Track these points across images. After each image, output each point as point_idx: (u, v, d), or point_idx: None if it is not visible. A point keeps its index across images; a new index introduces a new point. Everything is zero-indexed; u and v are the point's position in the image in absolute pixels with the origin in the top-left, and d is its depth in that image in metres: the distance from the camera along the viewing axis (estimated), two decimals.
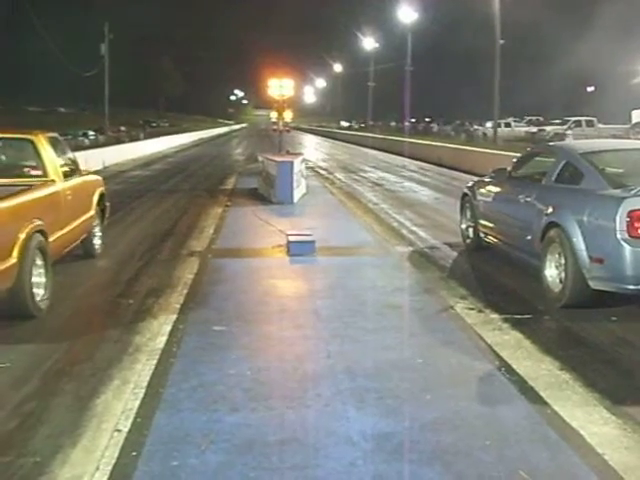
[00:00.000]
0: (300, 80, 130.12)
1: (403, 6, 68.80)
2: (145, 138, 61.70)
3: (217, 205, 19.13)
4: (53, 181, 10.01)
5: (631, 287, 7.99)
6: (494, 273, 11.10)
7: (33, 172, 10.21)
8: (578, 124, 51.94)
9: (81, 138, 61.93)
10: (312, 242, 12.27)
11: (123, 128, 75.77)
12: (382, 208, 18.82)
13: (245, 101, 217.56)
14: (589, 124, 53.11)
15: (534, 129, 56.79)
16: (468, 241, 12.70)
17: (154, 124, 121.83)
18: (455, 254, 12.59)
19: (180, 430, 5.43)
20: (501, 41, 43.84)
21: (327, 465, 4.94)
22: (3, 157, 11.04)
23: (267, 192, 19.84)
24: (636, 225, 7.80)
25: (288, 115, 27.76)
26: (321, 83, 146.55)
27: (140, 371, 6.77)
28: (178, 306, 8.96)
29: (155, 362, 6.98)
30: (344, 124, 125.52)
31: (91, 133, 66.56)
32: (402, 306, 8.91)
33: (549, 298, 9.17)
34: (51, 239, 9.04)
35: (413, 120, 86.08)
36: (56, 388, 6.42)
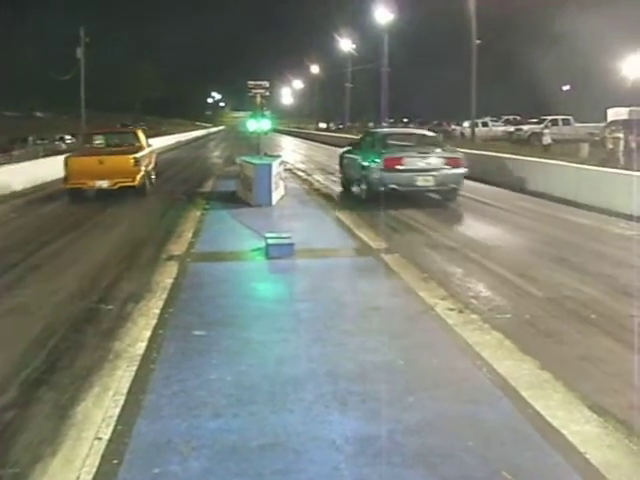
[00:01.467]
0: (277, 82, 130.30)
1: (379, 7, 68.91)
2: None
3: (195, 208, 19.04)
4: (144, 148, 23.80)
5: (389, 186, 18.42)
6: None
7: (136, 144, 24.05)
8: (555, 123, 52.14)
9: (58, 142, 61.53)
10: (291, 244, 12.23)
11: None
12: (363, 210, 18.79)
13: (222, 104, 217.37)
14: (565, 123, 53.39)
15: (511, 128, 56.96)
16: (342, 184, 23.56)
17: (131, 127, 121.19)
18: (435, 255, 12.62)
19: (161, 437, 5.40)
20: (477, 41, 44.07)
21: (310, 469, 4.93)
22: (118, 140, 25.51)
23: (245, 195, 19.76)
24: (386, 164, 18.47)
25: (267, 116, 27.60)
26: (298, 85, 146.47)
27: (120, 378, 6.74)
28: (158, 311, 8.93)
29: (135, 368, 6.95)
30: (322, 125, 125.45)
31: (68, 137, 66.09)
32: (383, 308, 8.90)
33: (357, 199, 19.97)
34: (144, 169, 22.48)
35: (391, 121, 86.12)
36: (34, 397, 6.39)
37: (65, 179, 21.70)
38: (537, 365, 6.94)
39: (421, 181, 18.33)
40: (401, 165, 18.38)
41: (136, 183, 21.52)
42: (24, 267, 12.30)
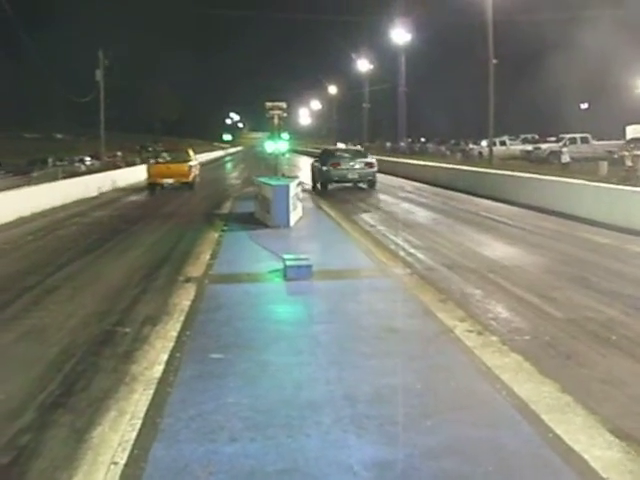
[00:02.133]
0: (295, 102, 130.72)
1: (396, 28, 69.11)
2: (141, 163, 61.68)
3: (213, 230, 19.08)
4: (193, 159, 36.72)
5: (334, 179, 31.26)
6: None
7: (188, 157, 36.70)
8: (573, 141, 51.78)
9: (77, 164, 61.77)
10: (309, 266, 12.19)
11: (119, 153, 75.49)
12: (379, 230, 18.78)
13: (241, 124, 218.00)
14: (584, 141, 53.01)
15: (529, 147, 56.63)
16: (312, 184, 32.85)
17: (150, 149, 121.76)
18: (454, 275, 12.54)
19: (178, 462, 5.36)
20: (494, 61, 43.97)
21: None
22: (177, 154, 37.70)
23: (263, 216, 19.78)
24: (332, 165, 31.34)
25: (285, 135, 27.74)
26: (316, 105, 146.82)
27: (137, 401, 6.72)
28: (175, 334, 8.91)
29: (152, 392, 6.93)
30: (341, 146, 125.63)
31: (87, 159, 66.33)
32: (401, 330, 8.83)
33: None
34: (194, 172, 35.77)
35: (409, 140, 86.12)
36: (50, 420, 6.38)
37: (147, 177, 34.79)
38: (557, 388, 6.86)
39: (350, 175, 30.00)
40: (339, 166, 30.31)
41: (189, 180, 34.59)
42: (41, 289, 12.35)
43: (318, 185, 32.21)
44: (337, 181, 30.33)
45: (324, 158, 32.62)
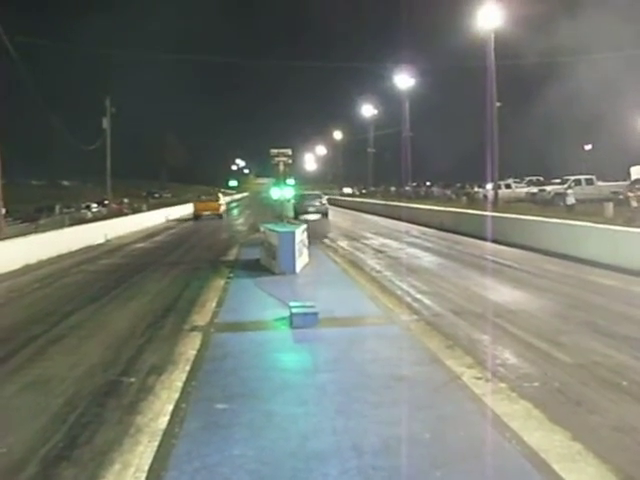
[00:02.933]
0: (300, 148, 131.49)
1: (400, 73, 69.76)
2: (148, 210, 61.99)
3: (219, 277, 19.05)
4: (220, 199, 58.11)
5: (301, 211, 44.45)
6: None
7: (219, 198, 58.86)
8: (578, 183, 51.95)
9: (84, 211, 62.17)
10: (315, 314, 12.14)
11: (126, 200, 76.04)
12: (385, 276, 18.73)
13: (246, 170, 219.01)
14: (589, 182, 53.13)
15: (535, 189, 56.77)
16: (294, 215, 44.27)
17: (156, 195, 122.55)
18: (460, 321, 12.46)
19: None
20: (498, 103, 44.19)
21: None
22: (211, 197, 60.49)
23: (269, 263, 19.75)
24: (300, 202, 45.25)
25: (291, 181, 27.97)
26: (321, 150, 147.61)
27: (141, 453, 6.65)
28: (180, 384, 8.85)
29: (157, 443, 6.85)
30: (347, 190, 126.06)
31: (94, 205, 66.77)
32: (408, 378, 8.75)
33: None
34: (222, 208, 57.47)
35: (414, 184, 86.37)
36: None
37: (194, 211, 54.34)
38: (568, 436, 6.77)
39: (310, 209, 35.64)
40: (304, 204, 36.22)
41: (219, 212, 53.48)
42: (46, 339, 12.29)
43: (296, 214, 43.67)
44: (304, 212, 40.52)
45: (297, 199, 46.80)
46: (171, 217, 58.22)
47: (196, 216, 52.79)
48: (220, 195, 60.56)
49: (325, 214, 45.37)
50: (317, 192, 54.79)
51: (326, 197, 49.01)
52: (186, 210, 69.57)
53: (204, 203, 54.60)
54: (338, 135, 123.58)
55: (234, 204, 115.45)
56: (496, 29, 42.80)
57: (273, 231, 19.98)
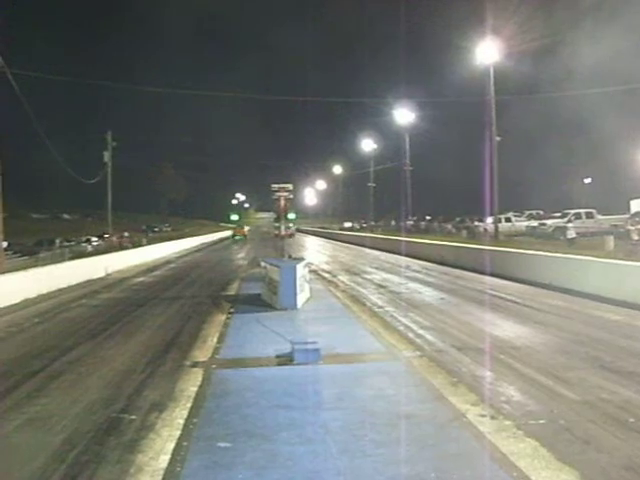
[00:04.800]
0: (300, 182, 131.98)
1: (400, 108, 70.13)
2: (148, 244, 61.95)
3: (220, 312, 18.96)
4: (245, 228, 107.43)
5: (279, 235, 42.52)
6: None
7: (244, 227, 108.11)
8: (578, 216, 51.98)
9: (84, 244, 62.08)
10: (317, 350, 12.05)
11: (126, 234, 75.93)
12: (387, 311, 18.62)
13: (247, 205, 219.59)
14: (589, 216, 53.17)
15: (535, 223, 56.75)
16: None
17: (156, 229, 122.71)
18: (464, 357, 12.36)
19: None
20: (498, 138, 44.33)
21: None
22: (238, 226, 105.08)
23: (270, 298, 19.66)
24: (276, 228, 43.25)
25: (292, 216, 27.98)
26: (322, 185, 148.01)
27: None
28: (182, 421, 8.75)
29: None
30: (347, 225, 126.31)
31: (94, 239, 66.73)
32: (413, 415, 8.64)
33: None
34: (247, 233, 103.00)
35: (414, 218, 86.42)
36: None
37: (232, 233, 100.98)
38: (577, 476, 6.67)
39: (282, 232, 32.00)
40: (280, 228, 31.77)
41: (246, 235, 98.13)
42: (45, 374, 12.16)
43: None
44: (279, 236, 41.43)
45: (275, 225, 48.27)
46: (171, 251, 58.14)
47: (233, 235, 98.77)
48: (245, 225, 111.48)
49: (293, 236, 59.91)
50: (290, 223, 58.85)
51: (295, 227, 62.72)
52: (187, 244, 69.67)
53: (238, 229, 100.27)
54: (338, 169, 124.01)
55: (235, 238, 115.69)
56: (495, 64, 43.09)
57: (275, 266, 19.90)
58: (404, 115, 70.17)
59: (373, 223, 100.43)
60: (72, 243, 61.03)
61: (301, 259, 24.07)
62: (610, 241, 34.20)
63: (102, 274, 33.47)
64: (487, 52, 42.97)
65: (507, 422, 8.38)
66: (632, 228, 31.73)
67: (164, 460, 7.36)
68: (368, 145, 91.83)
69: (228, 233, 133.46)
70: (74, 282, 28.65)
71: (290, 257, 25.75)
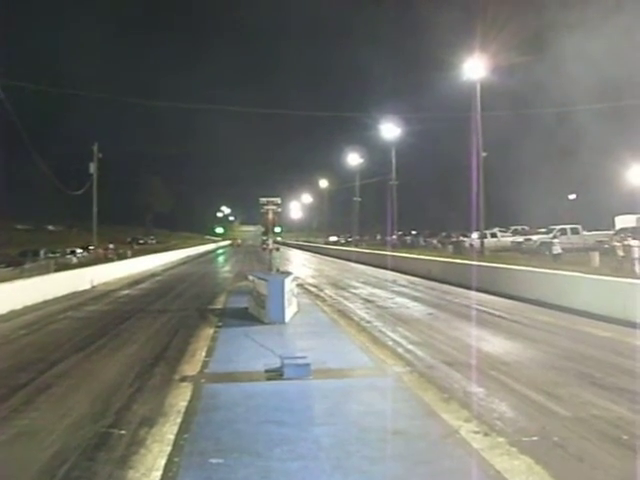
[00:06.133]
0: (286, 196, 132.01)
1: (386, 122, 70.28)
2: (133, 256, 61.74)
3: (208, 326, 18.86)
4: (239, 239, 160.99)
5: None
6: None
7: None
8: (563, 232, 52.27)
9: (69, 256, 61.72)
10: (308, 365, 11.98)
11: (111, 246, 75.42)
12: (375, 326, 18.58)
13: (232, 218, 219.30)
14: (574, 232, 53.48)
15: (520, 239, 56.98)
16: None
17: (142, 241, 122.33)
18: (454, 373, 12.32)
19: None
20: (484, 154, 44.48)
21: None
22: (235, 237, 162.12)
23: (258, 312, 19.59)
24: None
25: (278, 230, 27.89)
26: (307, 199, 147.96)
27: None
28: (172, 437, 8.65)
29: None
30: (332, 239, 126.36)
31: (79, 251, 66.33)
32: (405, 432, 8.59)
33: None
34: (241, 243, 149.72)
35: (400, 233, 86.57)
36: None
37: (231, 242, 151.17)
38: None
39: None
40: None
41: (240, 244, 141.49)
42: (33, 387, 12.03)
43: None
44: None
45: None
46: (156, 264, 57.90)
47: (232, 244, 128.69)
48: (239, 239, 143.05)
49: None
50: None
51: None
52: (172, 257, 69.45)
53: (234, 240, 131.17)
54: (324, 183, 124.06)
55: (220, 251, 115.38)
56: (482, 79, 43.32)
57: (262, 279, 19.85)
58: (391, 130, 70.29)
59: (358, 237, 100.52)
60: (57, 254, 60.69)
61: (289, 273, 24.01)
62: (596, 257, 34.38)
63: (88, 286, 33.30)
64: (474, 68, 43.22)
65: (500, 439, 8.34)
66: (618, 244, 31.88)
67: (156, 476, 7.28)
68: (354, 159, 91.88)
69: (214, 246, 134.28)
70: (60, 294, 28.48)
71: (278, 271, 25.68)
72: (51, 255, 58.47)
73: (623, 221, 50.84)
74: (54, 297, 27.65)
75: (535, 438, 8.43)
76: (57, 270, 36.74)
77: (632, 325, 16.37)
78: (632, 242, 30.52)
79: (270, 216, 25.62)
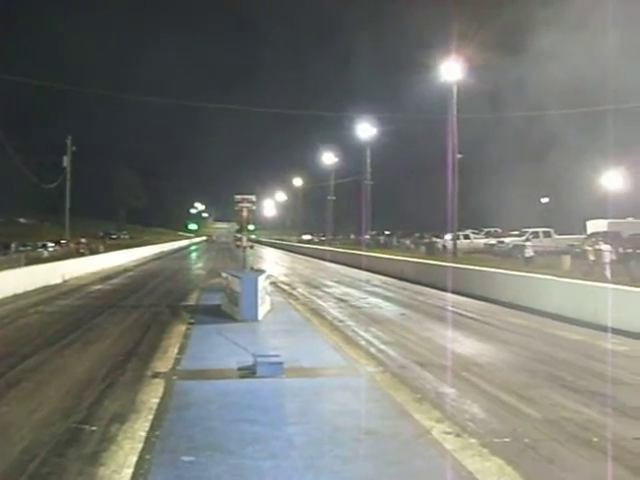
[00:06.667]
0: (259, 193, 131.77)
1: (362, 123, 70.34)
2: (105, 251, 61.29)
3: (180, 322, 18.79)
4: (213, 235, 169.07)
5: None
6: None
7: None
8: (536, 235, 52.64)
9: (40, 249, 61.19)
10: (280, 363, 11.97)
11: (83, 240, 74.73)
12: (348, 325, 18.60)
13: (205, 214, 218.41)
14: (546, 235, 53.91)
15: (493, 241, 57.26)
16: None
17: (114, 236, 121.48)
18: (427, 374, 12.35)
19: None
20: (459, 155, 44.63)
21: None
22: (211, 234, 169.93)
23: (231, 309, 19.54)
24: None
25: (251, 227, 27.81)
26: (281, 197, 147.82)
27: None
28: (144, 434, 8.59)
29: None
30: (306, 237, 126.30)
31: (50, 245, 65.72)
32: (377, 431, 8.60)
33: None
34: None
35: (373, 232, 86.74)
36: None
37: (207, 239, 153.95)
38: None
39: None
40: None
41: (214, 240, 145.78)
42: (2, 382, 11.90)
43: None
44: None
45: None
46: (129, 259, 57.55)
47: (207, 240, 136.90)
48: (214, 235, 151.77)
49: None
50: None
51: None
52: (145, 253, 69.07)
53: (209, 237, 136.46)
54: (298, 182, 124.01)
55: (193, 247, 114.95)
56: (458, 82, 43.47)
57: (236, 277, 19.80)
58: (366, 130, 70.40)
59: (331, 236, 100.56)
60: (28, 248, 60.15)
61: (262, 271, 23.98)
62: (567, 260, 34.70)
63: (59, 280, 33.02)
64: (450, 70, 43.36)
65: (472, 440, 8.36)
66: (589, 249, 32.12)
67: (127, 474, 7.22)
68: (329, 158, 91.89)
69: (187, 242, 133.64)
70: (31, 288, 28.22)
71: (252, 269, 25.65)
72: (22, 248, 58.00)
73: (595, 226, 51.31)
74: (25, 291, 27.39)
75: (506, 439, 8.47)
76: (28, 264, 36.40)
77: (603, 329, 16.51)
78: (603, 247, 30.76)
79: (245, 214, 25.55)
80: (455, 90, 43.51)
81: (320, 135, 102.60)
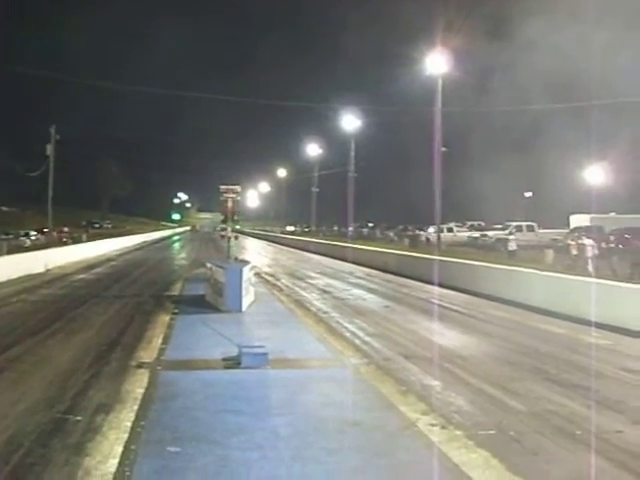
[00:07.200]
0: (243, 184, 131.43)
1: (347, 114, 70.24)
2: (88, 240, 60.99)
3: (164, 313, 18.73)
4: (197, 225, 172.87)
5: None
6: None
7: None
8: (519, 229, 52.94)
9: (23, 238, 60.79)
10: (265, 354, 11.96)
11: (66, 229, 74.35)
12: (333, 317, 18.61)
13: (189, 204, 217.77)
14: (530, 229, 54.23)
15: (476, 234, 57.44)
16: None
17: (97, 225, 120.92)
18: (412, 366, 12.37)
19: None
20: (444, 148, 44.61)
21: None
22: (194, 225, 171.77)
23: (215, 300, 19.49)
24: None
25: (236, 218, 27.68)
26: (265, 187, 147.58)
27: None
28: (129, 424, 8.57)
29: None
30: (290, 228, 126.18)
31: (33, 233, 65.31)
32: (363, 423, 8.61)
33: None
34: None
35: (357, 224, 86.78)
36: None
37: (191, 228, 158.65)
38: None
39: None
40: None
41: (198, 230, 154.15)
42: None
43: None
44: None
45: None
46: (112, 249, 57.30)
47: (191, 230, 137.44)
48: (197, 225, 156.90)
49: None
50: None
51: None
52: (128, 242, 68.81)
53: (193, 227, 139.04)
54: (282, 173, 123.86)
55: (176, 237, 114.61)
56: (444, 75, 43.42)
57: (220, 267, 19.75)
58: (351, 121, 70.32)
59: (315, 228, 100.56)
60: (10, 236, 59.73)
61: (247, 262, 23.94)
62: (550, 254, 34.88)
63: (42, 269, 32.83)
64: (436, 64, 43.28)
65: (458, 432, 8.40)
66: (572, 243, 32.29)
67: (112, 464, 7.19)
68: (313, 150, 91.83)
69: (170, 232, 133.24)
70: (13, 277, 28.06)
71: (236, 259, 25.60)
72: (4, 237, 57.53)
73: (578, 220, 51.67)
74: (7, 279, 27.22)
75: (492, 432, 8.51)
76: (10, 252, 36.19)
77: (585, 322, 16.59)
78: (585, 241, 30.93)
79: (230, 204, 25.43)
80: (440, 83, 43.43)
81: (306, 127, 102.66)
